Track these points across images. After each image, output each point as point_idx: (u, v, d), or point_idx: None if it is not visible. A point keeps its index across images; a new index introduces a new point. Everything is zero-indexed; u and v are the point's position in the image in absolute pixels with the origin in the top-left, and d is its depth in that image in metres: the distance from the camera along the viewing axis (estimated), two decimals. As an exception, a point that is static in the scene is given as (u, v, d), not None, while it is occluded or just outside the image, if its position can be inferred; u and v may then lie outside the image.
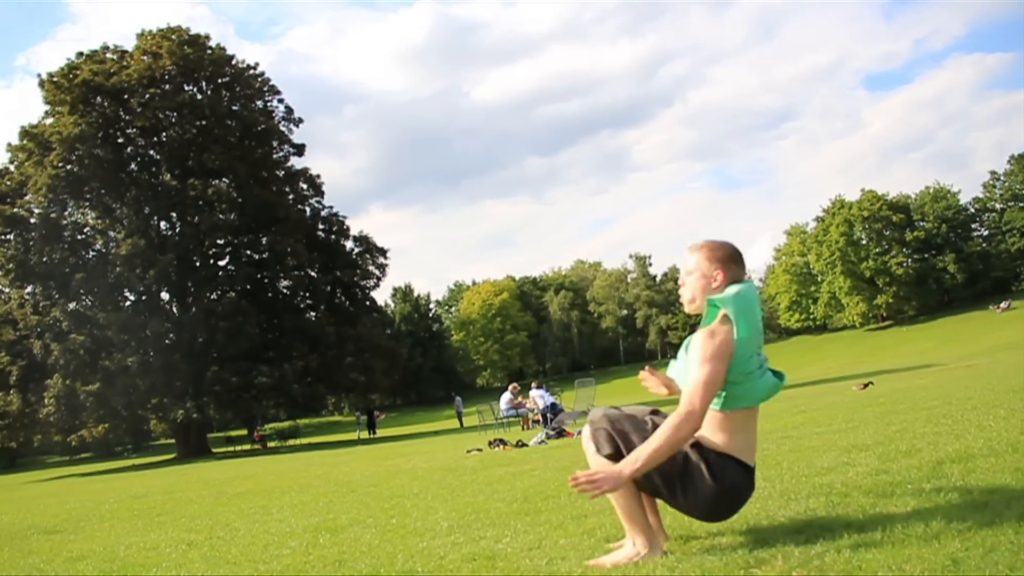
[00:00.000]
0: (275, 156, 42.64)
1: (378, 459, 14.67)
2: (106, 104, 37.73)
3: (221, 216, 37.30)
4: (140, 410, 39.01)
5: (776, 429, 8.14)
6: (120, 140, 39.20)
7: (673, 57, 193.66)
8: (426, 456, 13.40)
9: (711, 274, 3.26)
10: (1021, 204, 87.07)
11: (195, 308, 38.03)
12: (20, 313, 36.47)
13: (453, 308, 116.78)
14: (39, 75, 38.45)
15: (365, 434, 43.83)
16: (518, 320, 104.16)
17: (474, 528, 4.49)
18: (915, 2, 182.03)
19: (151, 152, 40.06)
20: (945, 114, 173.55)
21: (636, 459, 3.00)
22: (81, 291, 36.79)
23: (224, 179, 38.82)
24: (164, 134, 39.44)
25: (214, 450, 40.05)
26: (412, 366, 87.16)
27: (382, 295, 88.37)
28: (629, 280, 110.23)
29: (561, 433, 13.81)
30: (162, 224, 39.79)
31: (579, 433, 13.36)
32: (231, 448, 42.97)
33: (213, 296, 38.84)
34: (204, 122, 39.13)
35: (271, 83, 42.56)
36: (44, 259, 36.05)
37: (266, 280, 40.46)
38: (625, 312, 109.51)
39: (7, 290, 38.76)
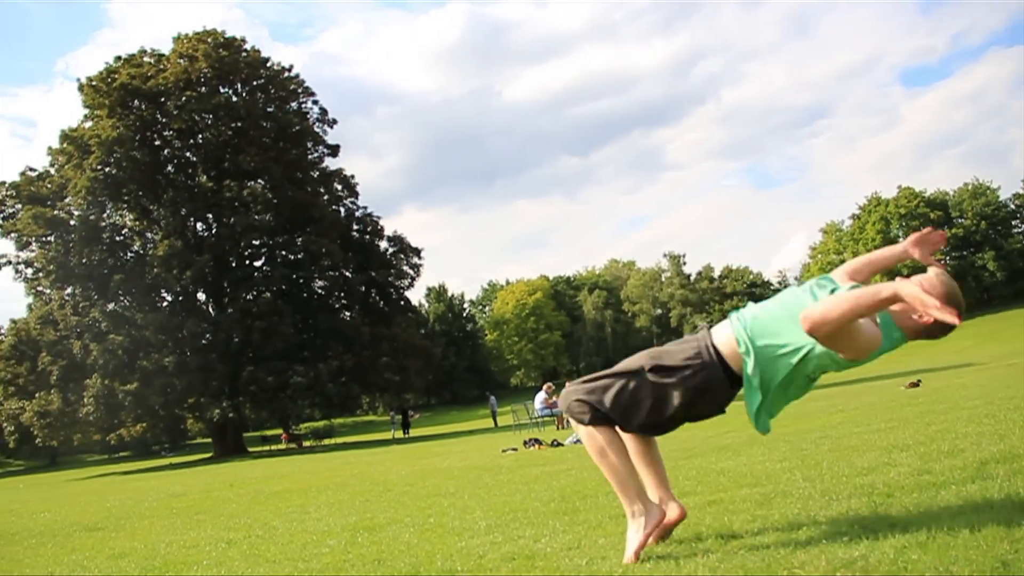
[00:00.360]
0: (310, 157, 42.90)
1: (413, 458, 14.72)
2: (143, 107, 38.20)
3: (256, 217, 37.58)
4: (177, 409, 39.38)
5: (814, 429, 8.08)
6: (157, 142, 39.68)
7: (706, 55, 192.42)
8: (461, 455, 13.42)
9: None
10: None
11: (231, 308, 38.36)
12: (60, 314, 36.98)
13: (487, 308, 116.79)
14: (78, 79, 38.94)
15: (400, 433, 43.95)
16: (552, 320, 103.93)
17: (512, 527, 4.49)
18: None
19: (187, 154, 40.47)
20: (984, 109, 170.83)
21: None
22: (119, 292, 37.21)
23: (259, 180, 39.08)
24: (200, 136, 39.83)
25: (250, 449, 40.36)
26: (446, 366, 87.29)
27: (416, 295, 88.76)
28: (663, 279, 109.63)
29: (596, 433, 13.76)
30: (198, 225, 40.21)
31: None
32: (267, 447, 43.29)
33: (249, 296, 39.12)
34: (239, 124, 39.44)
35: (305, 85, 42.84)
36: (84, 260, 36.52)
37: (301, 280, 40.71)
38: (659, 311, 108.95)
39: (48, 291, 39.32)
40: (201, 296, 40.22)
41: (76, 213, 37.71)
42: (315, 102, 43.48)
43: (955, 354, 42.35)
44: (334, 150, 43.72)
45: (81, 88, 38.33)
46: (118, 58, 39.39)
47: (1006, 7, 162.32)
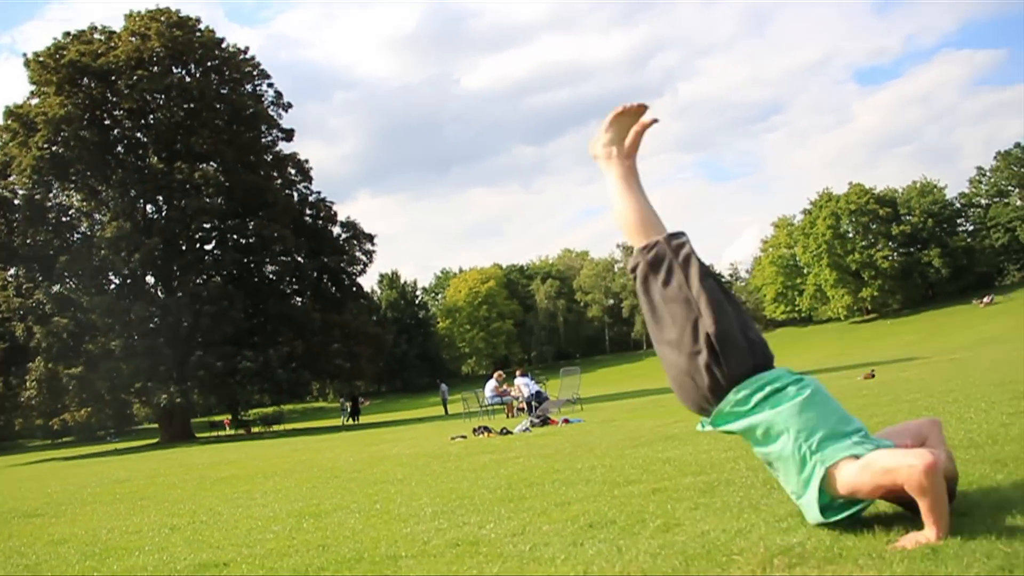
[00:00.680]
0: (263, 141, 42.38)
1: (362, 445, 14.67)
2: (93, 85, 37.41)
3: (208, 200, 37.04)
4: (123, 394, 38.77)
5: (760, 419, 8.19)
6: (107, 122, 38.93)
7: (664, 48, 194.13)
8: (410, 443, 13.41)
9: None
10: (1006, 200, 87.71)
11: (180, 292, 37.85)
12: (3, 295, 36.19)
13: (439, 295, 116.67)
14: (25, 55, 38.02)
15: (350, 420, 43.77)
16: (504, 308, 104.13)
17: (458, 514, 4.50)
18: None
19: (138, 135, 39.77)
20: (934, 110, 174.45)
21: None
22: (65, 274, 36.54)
23: (211, 163, 38.56)
24: (151, 117, 39.13)
25: (197, 435, 39.93)
26: (397, 353, 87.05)
27: (369, 281, 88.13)
28: (616, 270, 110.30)
29: (546, 421, 13.83)
30: (148, 207, 39.53)
31: (564, 421, 13.43)
32: (214, 433, 42.87)
33: (199, 280, 38.61)
34: (192, 105, 38.84)
35: (261, 67, 42.28)
36: (28, 241, 35.80)
37: (252, 265, 40.28)
38: (611, 302, 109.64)
39: (-9, 272, 38.50)
40: (150, 279, 39.62)
41: (20, 192, 36.86)
42: (270, 85, 42.97)
43: (900, 348, 43.18)
44: (288, 134, 43.23)
45: (28, 64, 37.41)
46: (67, 34, 38.51)
47: (956, 10, 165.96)
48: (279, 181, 42.16)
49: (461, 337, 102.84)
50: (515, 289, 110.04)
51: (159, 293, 39.28)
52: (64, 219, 38.45)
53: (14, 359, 35.13)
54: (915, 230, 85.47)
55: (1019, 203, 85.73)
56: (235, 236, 40.07)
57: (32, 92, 38.10)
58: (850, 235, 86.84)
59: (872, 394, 10.52)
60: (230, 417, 47.78)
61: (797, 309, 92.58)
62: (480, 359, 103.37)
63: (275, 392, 39.72)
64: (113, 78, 37.35)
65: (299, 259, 40.82)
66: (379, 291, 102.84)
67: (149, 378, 35.53)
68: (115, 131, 39.32)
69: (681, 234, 3.28)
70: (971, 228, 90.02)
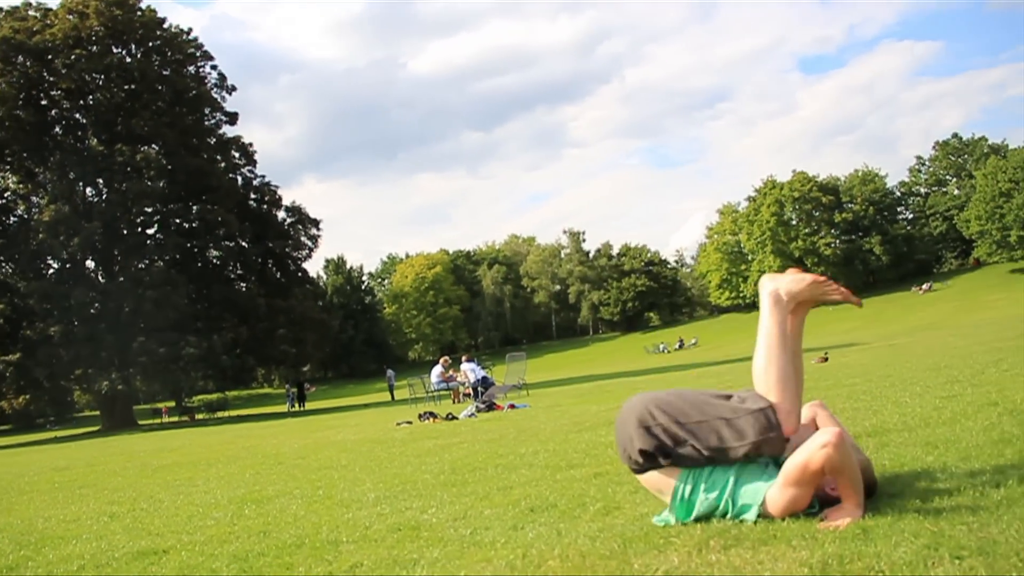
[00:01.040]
0: (206, 123, 41.75)
1: (307, 432, 14.59)
2: (28, 64, 36.45)
3: (149, 183, 36.40)
4: (63, 381, 38.08)
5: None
6: (44, 102, 37.98)
7: (611, 34, 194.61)
8: (355, 429, 13.37)
9: None
10: (944, 189, 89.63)
11: (122, 277, 37.21)
12: (-64, 279, 35.34)
13: (386, 281, 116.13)
14: (-44, 32, 36.97)
15: (295, 407, 43.48)
16: (451, 294, 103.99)
17: (401, 499, 4.51)
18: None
19: (77, 116, 38.91)
20: (875, 99, 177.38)
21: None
22: (1, 258, 35.76)
23: (153, 145, 37.89)
24: (90, 97, 38.29)
25: (140, 422, 39.37)
26: (344, 339, 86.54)
27: (314, 267, 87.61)
28: (563, 255, 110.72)
29: (491, 407, 13.86)
30: (88, 190, 38.71)
31: (510, 407, 13.44)
32: (157, 420, 42.30)
33: (141, 265, 37.99)
34: (133, 86, 38.08)
35: (204, 49, 41.58)
36: (-38, 224, 34.97)
37: (196, 250, 39.72)
38: (558, 287, 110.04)
39: (-78, 256, 37.46)
40: (90, 264, 38.86)
41: (-47, 174, 35.99)
42: (214, 67, 42.32)
43: (842, 334, 43.92)
44: (232, 117, 42.60)
45: (-42, 41, 36.40)
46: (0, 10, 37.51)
47: (896, 2, 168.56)
48: (223, 165, 41.56)
49: (408, 323, 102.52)
50: (462, 275, 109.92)
51: (100, 278, 38.55)
52: (0, 202, 37.55)
53: (-52, 345, 34.31)
54: (857, 218, 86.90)
55: (956, 192, 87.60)
56: (178, 220, 39.47)
57: (-37, 70, 37.08)
58: (793, 222, 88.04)
59: (811, 379, 10.69)
60: (172, 404, 47.18)
61: (742, 295, 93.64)
62: (427, 345, 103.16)
63: (219, 378, 39.36)
64: (50, 57, 36.44)
65: (243, 244, 40.33)
66: (325, 276, 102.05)
67: (90, 365, 34.91)
68: (52, 111, 38.42)
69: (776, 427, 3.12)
70: (911, 216, 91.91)
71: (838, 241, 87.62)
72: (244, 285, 41.12)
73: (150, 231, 40.21)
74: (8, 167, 37.96)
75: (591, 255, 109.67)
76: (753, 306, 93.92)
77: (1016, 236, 72.27)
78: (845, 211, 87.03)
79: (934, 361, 10.88)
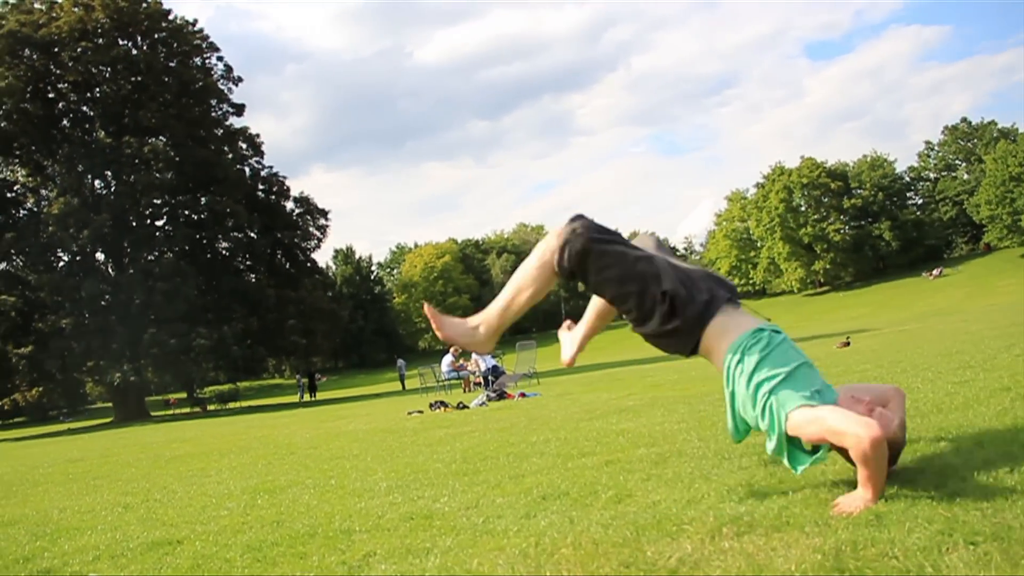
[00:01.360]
0: (213, 115, 41.81)
1: (318, 422, 14.64)
2: (35, 57, 36.57)
3: (158, 175, 36.55)
4: (75, 373, 38.31)
5: (714, 391, 8.29)
6: (51, 95, 38.13)
7: (617, 22, 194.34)
8: (367, 418, 13.40)
9: None
10: (953, 174, 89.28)
11: (132, 269, 37.36)
12: (-52, 273, 35.53)
13: (395, 271, 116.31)
14: (-38, 26, 37.11)
15: (306, 397, 43.63)
16: (460, 283, 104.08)
17: (413, 488, 4.52)
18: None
19: (84, 108, 39.05)
20: (883, 84, 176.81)
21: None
22: (12, 251, 35.97)
23: (161, 137, 38.03)
24: (97, 90, 38.40)
25: (152, 413, 39.56)
26: (353, 329, 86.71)
27: (323, 257, 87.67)
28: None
29: (502, 395, 13.89)
30: (96, 183, 38.86)
31: (520, 395, 13.47)
32: (169, 411, 42.50)
33: (150, 257, 38.15)
34: (139, 78, 38.16)
35: (210, 40, 41.65)
36: (-28, 219, 35.15)
37: (205, 241, 39.87)
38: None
39: (-67, 250, 37.66)
40: (100, 256, 39.03)
41: (-37, 168, 36.16)
42: (220, 58, 42.39)
43: (852, 320, 43.86)
44: (239, 108, 42.68)
45: (-36, 35, 36.52)
46: (5, 3, 37.54)
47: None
48: (230, 156, 41.67)
49: (417, 312, 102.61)
50: (471, 264, 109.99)
51: (110, 270, 38.72)
52: (9, 195, 37.77)
53: (-39, 338, 34.51)
54: (866, 203, 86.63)
55: (966, 177, 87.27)
56: (186, 212, 39.60)
57: (-30, 64, 37.20)
58: (802, 208, 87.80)
59: (824, 365, 10.67)
60: (183, 396, 47.37)
61: (751, 282, 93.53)
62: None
63: (230, 369, 39.51)
64: (56, 50, 36.56)
65: (252, 235, 40.46)
66: (334, 267, 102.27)
67: (101, 356, 35.11)
68: (60, 104, 38.55)
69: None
70: (920, 201, 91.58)
71: (847, 227, 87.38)
72: (253, 276, 41.28)
73: (159, 223, 40.38)
74: (17, 160, 38.13)
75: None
76: (763, 292, 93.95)
77: (1027, 220, 72.10)
78: (854, 197, 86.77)
79: (945, 347, 10.84)
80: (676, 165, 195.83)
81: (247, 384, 62.53)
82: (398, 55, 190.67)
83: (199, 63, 41.46)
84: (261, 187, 42.87)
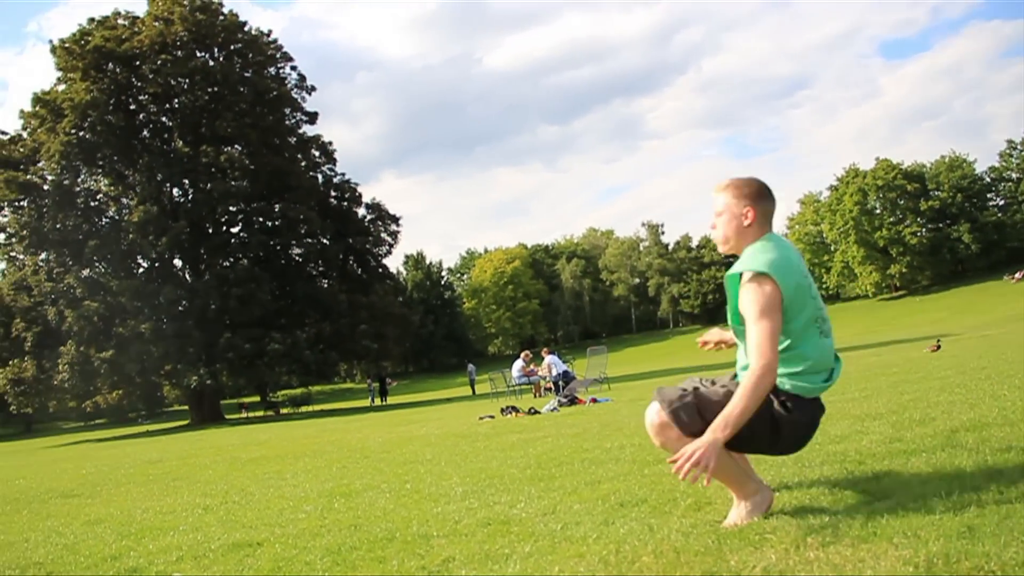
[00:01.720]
0: (287, 123, 42.51)
1: (390, 426, 14.75)
2: (118, 70, 37.65)
3: (233, 183, 37.27)
4: (153, 376, 39.20)
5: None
6: (132, 107, 39.20)
7: (687, 24, 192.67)
8: (438, 423, 13.46)
9: (741, 212, 3.22)
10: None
11: (208, 275, 38.15)
12: (35, 280, 36.62)
13: (465, 276, 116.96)
14: (51, 41, 38.36)
15: (377, 401, 44.04)
16: (530, 288, 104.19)
17: (488, 493, 4.52)
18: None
19: (163, 119, 40.05)
20: (962, 82, 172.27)
21: (726, 423, 2.89)
22: (94, 258, 36.95)
23: (236, 146, 38.80)
24: (176, 101, 39.37)
25: (227, 416, 40.32)
26: (424, 334, 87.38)
27: (394, 262, 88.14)
28: (641, 248, 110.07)
29: (573, 401, 13.84)
30: (174, 191, 39.82)
31: (591, 401, 13.39)
32: (243, 415, 43.25)
33: (226, 263, 38.94)
34: (216, 89, 39.00)
35: (283, 50, 42.39)
36: (58, 226, 36.17)
37: (279, 247, 40.48)
38: (637, 280, 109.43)
39: (22, 257, 38.90)
40: (177, 262, 39.98)
41: (50, 178, 37.24)
42: (293, 68, 43.11)
43: (930, 325, 42.80)
44: (312, 117, 43.35)
45: (54, 50, 37.75)
46: (92, 20, 38.79)
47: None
48: (303, 163, 42.31)
49: (487, 317, 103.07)
50: (540, 269, 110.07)
51: (187, 276, 39.60)
52: (92, 204, 38.80)
53: (47, 342, 35.55)
54: (944, 205, 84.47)
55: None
56: (261, 219, 40.28)
57: (59, 78, 38.51)
58: (877, 211, 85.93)
59: (902, 371, 10.43)
60: (257, 399, 48.15)
61: (824, 287, 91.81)
62: (506, 339, 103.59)
63: (303, 373, 39.99)
64: (137, 63, 37.60)
65: (325, 241, 40.99)
66: (405, 272, 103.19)
67: (178, 360, 35.88)
68: (140, 115, 39.61)
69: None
70: (1001, 203, 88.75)
71: (924, 230, 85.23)
72: (326, 281, 41.76)
73: (234, 230, 41.19)
74: (100, 170, 39.24)
75: (670, 247, 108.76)
76: (837, 297, 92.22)
77: (1115, 221, 69.53)
78: (931, 199, 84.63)
79: (1031, 352, 10.51)
80: (748, 168, 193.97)
81: (319, 388, 63.36)
82: (467, 61, 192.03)
83: (273, 73, 42.19)
84: (333, 194, 43.46)
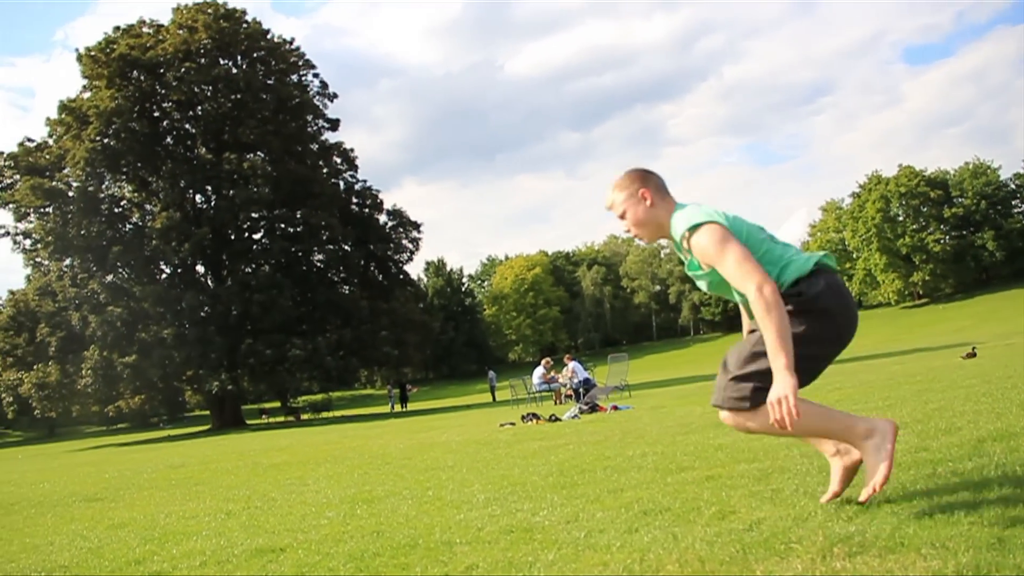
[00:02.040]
0: (309, 130, 42.79)
1: (411, 432, 14.75)
2: (142, 78, 38.04)
3: (256, 190, 37.51)
4: (175, 382, 39.53)
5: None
6: (156, 114, 39.58)
7: (709, 31, 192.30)
8: (459, 429, 13.45)
9: (637, 195, 3.25)
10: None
11: (230, 281, 38.41)
12: (59, 285, 36.98)
13: (486, 283, 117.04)
14: (77, 50, 38.84)
15: (398, 407, 44.12)
16: (551, 295, 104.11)
17: (510, 501, 4.51)
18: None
19: (186, 126, 40.38)
20: (986, 88, 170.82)
21: (777, 355, 2.82)
22: (118, 264, 37.29)
23: (259, 153, 39.06)
24: (199, 108, 39.70)
25: (248, 422, 40.50)
26: (445, 340, 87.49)
27: (415, 269, 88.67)
28: (662, 256, 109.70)
29: (594, 408, 13.79)
30: (197, 197, 40.17)
31: (612, 408, 13.36)
32: (264, 420, 43.41)
33: (248, 269, 39.19)
34: (239, 96, 39.30)
35: (306, 57, 42.72)
36: (82, 232, 36.54)
37: (300, 254, 40.70)
38: (658, 288, 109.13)
39: (47, 262, 39.33)
40: (200, 269, 40.28)
41: (75, 184, 37.67)
42: (315, 75, 43.43)
43: (953, 334, 42.44)
44: (334, 124, 43.62)
45: (80, 58, 38.21)
46: (117, 28, 39.30)
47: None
48: (325, 170, 42.59)
49: (508, 324, 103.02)
50: (561, 276, 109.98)
51: (209, 282, 39.87)
52: (116, 210, 39.20)
53: (71, 347, 35.89)
54: (968, 212, 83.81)
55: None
56: (283, 225, 40.52)
57: (84, 86, 39.01)
58: (900, 218, 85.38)
59: (927, 381, 10.34)
60: (278, 405, 48.37)
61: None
62: (527, 346, 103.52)
63: (324, 379, 40.17)
64: (162, 70, 37.96)
65: (346, 247, 41.19)
66: (425, 279, 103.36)
67: (200, 366, 36.12)
68: (164, 123, 39.97)
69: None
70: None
71: (948, 237, 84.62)
72: (347, 288, 41.95)
73: (256, 236, 41.45)
74: (124, 177, 39.62)
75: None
76: (859, 304, 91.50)
77: None
78: (955, 206, 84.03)
79: (1058, 361, 10.40)
80: (769, 175, 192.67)
81: (339, 394, 63.61)
82: (489, 68, 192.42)
83: (295, 80, 42.48)
84: (355, 200, 43.66)
